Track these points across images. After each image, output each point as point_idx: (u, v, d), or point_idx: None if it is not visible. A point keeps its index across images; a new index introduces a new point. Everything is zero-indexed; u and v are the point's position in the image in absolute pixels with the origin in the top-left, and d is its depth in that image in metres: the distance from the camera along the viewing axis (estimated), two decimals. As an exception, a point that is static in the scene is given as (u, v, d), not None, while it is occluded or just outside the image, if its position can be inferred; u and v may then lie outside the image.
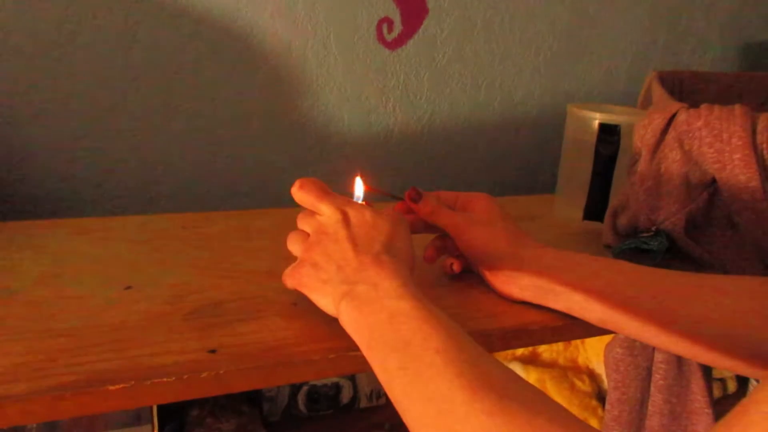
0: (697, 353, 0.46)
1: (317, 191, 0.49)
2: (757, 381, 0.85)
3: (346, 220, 0.47)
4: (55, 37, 0.75)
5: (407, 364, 0.36)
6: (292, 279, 0.49)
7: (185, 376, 0.41)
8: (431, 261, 0.58)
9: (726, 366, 0.47)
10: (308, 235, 0.49)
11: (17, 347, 0.43)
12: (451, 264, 0.58)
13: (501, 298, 0.55)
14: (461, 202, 0.58)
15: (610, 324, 0.50)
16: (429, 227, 0.58)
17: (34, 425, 0.60)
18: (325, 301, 0.46)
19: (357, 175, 0.55)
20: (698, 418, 0.58)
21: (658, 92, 0.68)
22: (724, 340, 0.45)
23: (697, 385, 0.58)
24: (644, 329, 0.47)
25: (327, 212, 0.48)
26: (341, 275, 0.45)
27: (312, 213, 0.50)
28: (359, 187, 0.54)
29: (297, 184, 0.50)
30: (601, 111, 0.72)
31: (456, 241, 0.56)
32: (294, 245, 0.50)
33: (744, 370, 0.46)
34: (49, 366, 0.41)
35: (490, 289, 0.56)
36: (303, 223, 0.50)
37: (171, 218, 0.73)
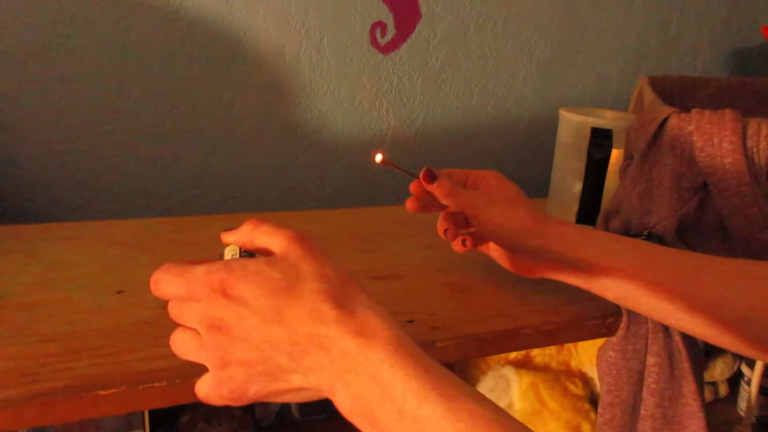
0: (713, 335, 0.47)
1: (176, 272, 0.35)
2: (749, 385, 0.85)
3: (236, 297, 0.33)
4: (47, 40, 0.74)
5: None
6: (230, 395, 0.34)
7: (177, 381, 0.41)
8: (453, 237, 0.54)
9: (741, 350, 0.47)
10: (198, 333, 0.35)
11: (7, 352, 0.43)
12: (464, 240, 0.56)
13: (495, 299, 0.55)
14: (472, 180, 0.56)
15: (629, 302, 0.50)
16: (442, 205, 0.56)
17: (24, 431, 0.59)
18: (302, 393, 0.34)
19: (378, 152, 0.53)
20: (690, 421, 0.58)
21: (649, 97, 0.68)
22: (741, 324, 0.45)
23: (688, 389, 0.58)
24: (661, 309, 0.48)
25: (204, 293, 0.34)
26: (307, 360, 0.32)
27: (184, 302, 0.35)
28: (230, 247, 0.40)
29: (152, 283, 0.36)
30: (593, 115, 0.72)
31: (474, 221, 0.53)
32: (193, 353, 0.35)
33: (759, 354, 0.47)
34: (40, 371, 0.41)
35: (483, 292, 0.56)
36: (183, 319, 0.35)
37: (164, 222, 0.73)
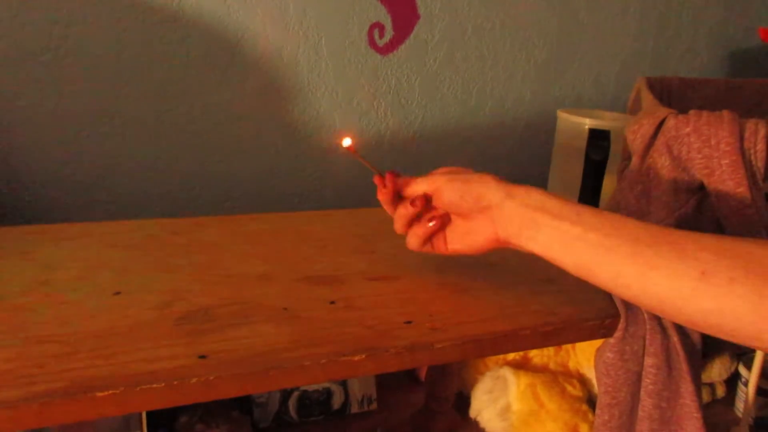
0: (691, 315, 0.41)
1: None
2: (746, 384, 0.85)
3: None
4: (45, 40, 0.74)
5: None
6: None
7: (175, 382, 0.41)
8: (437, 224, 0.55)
9: (721, 334, 0.41)
10: None
11: (4, 354, 0.43)
12: (431, 218, 0.55)
13: (494, 300, 0.55)
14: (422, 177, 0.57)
15: (583, 271, 0.45)
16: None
17: (21, 432, 0.59)
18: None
19: (346, 136, 0.54)
20: (687, 422, 0.58)
21: (647, 98, 0.69)
22: (723, 300, 0.39)
23: (686, 389, 0.58)
24: (619, 279, 0.43)
25: None
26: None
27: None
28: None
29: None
30: (591, 116, 0.73)
31: (434, 198, 0.54)
32: None
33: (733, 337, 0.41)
34: (37, 372, 0.41)
35: (482, 293, 0.56)
36: None
37: (162, 223, 0.73)
